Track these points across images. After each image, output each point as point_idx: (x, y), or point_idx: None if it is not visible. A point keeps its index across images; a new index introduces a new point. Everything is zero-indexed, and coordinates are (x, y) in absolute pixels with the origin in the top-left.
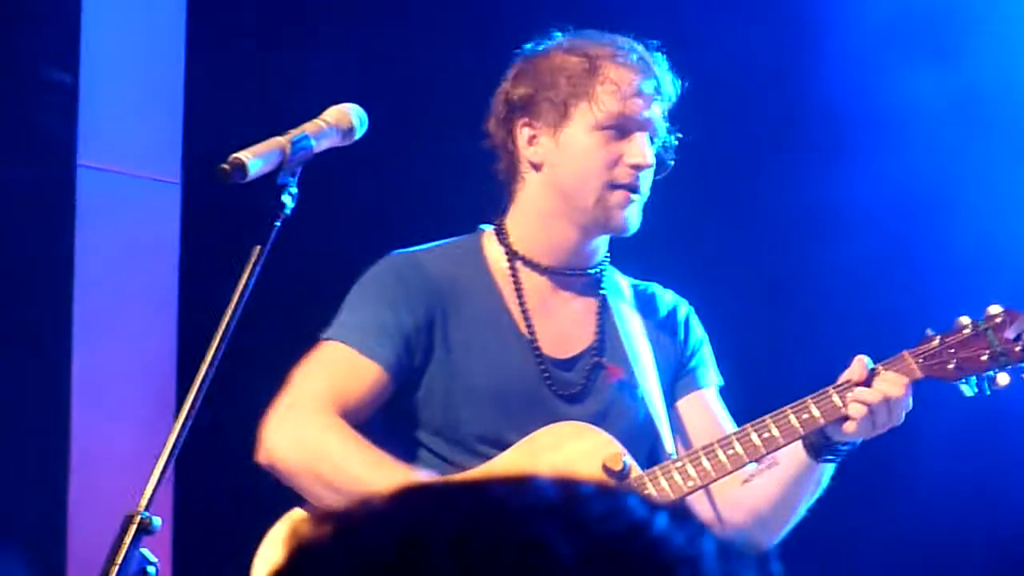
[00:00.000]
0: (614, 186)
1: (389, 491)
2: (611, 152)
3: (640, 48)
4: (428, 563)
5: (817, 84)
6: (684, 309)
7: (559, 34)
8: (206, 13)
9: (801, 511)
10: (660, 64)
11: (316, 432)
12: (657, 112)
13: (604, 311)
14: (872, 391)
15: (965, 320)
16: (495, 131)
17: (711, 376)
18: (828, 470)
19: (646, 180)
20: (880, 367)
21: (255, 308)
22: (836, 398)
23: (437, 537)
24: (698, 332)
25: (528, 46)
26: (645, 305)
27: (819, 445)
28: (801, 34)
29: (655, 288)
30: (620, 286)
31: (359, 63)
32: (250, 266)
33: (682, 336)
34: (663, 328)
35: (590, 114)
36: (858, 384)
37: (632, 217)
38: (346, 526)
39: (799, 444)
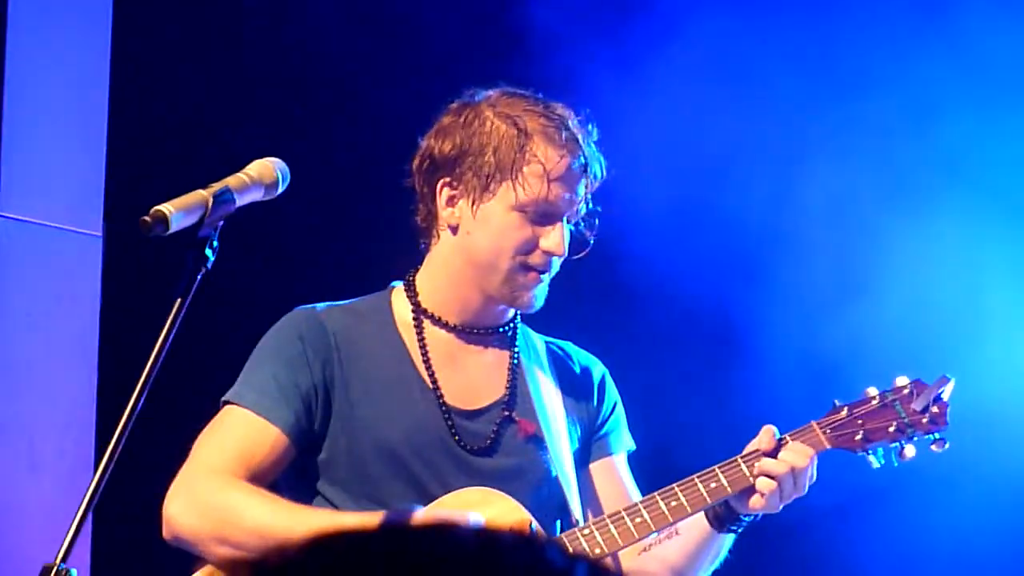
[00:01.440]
0: (525, 267)
1: (304, 539)
2: (528, 235)
3: (572, 121)
4: None
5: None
6: (599, 370)
7: (491, 88)
8: (130, 64)
9: None
10: (589, 141)
11: (214, 496)
12: (580, 195)
13: (516, 366)
14: (778, 462)
15: (873, 391)
16: (416, 178)
17: (623, 441)
18: (728, 540)
19: (558, 263)
20: (788, 437)
21: (175, 361)
22: (744, 468)
23: None
24: (612, 395)
25: (458, 100)
26: (559, 364)
27: (723, 516)
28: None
29: (570, 347)
30: (534, 343)
31: (283, 116)
32: (171, 319)
33: (596, 398)
34: (577, 388)
35: (512, 194)
36: (766, 454)
37: (538, 297)
38: (264, 574)
39: (702, 514)
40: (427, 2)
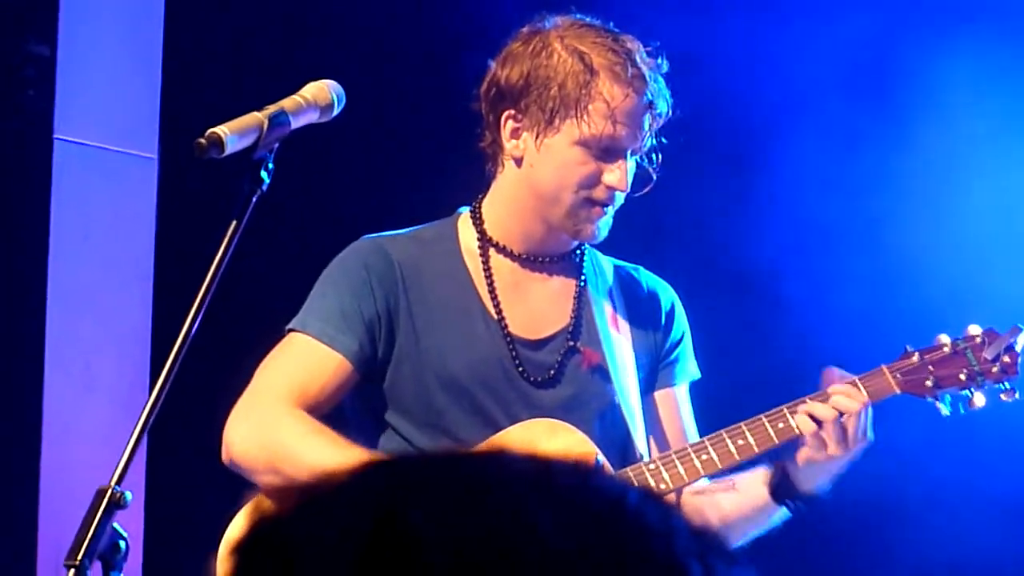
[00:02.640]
0: (589, 201)
1: (357, 466)
2: (592, 170)
3: (640, 55)
4: (405, 535)
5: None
6: (668, 297)
7: (562, 14)
8: None
9: (744, 540)
10: (658, 76)
11: (274, 427)
12: (645, 131)
13: (582, 294)
14: (824, 406)
15: (945, 338)
16: (483, 105)
17: (688, 370)
18: (780, 514)
19: (621, 197)
20: (858, 379)
21: (231, 285)
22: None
23: (414, 508)
24: (680, 323)
25: (528, 24)
26: (628, 289)
27: (781, 487)
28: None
29: (640, 272)
30: (603, 268)
31: (339, 39)
32: (226, 241)
33: (664, 326)
34: (645, 315)
35: (576, 129)
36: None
37: (601, 229)
38: (315, 499)
39: (763, 477)
40: None
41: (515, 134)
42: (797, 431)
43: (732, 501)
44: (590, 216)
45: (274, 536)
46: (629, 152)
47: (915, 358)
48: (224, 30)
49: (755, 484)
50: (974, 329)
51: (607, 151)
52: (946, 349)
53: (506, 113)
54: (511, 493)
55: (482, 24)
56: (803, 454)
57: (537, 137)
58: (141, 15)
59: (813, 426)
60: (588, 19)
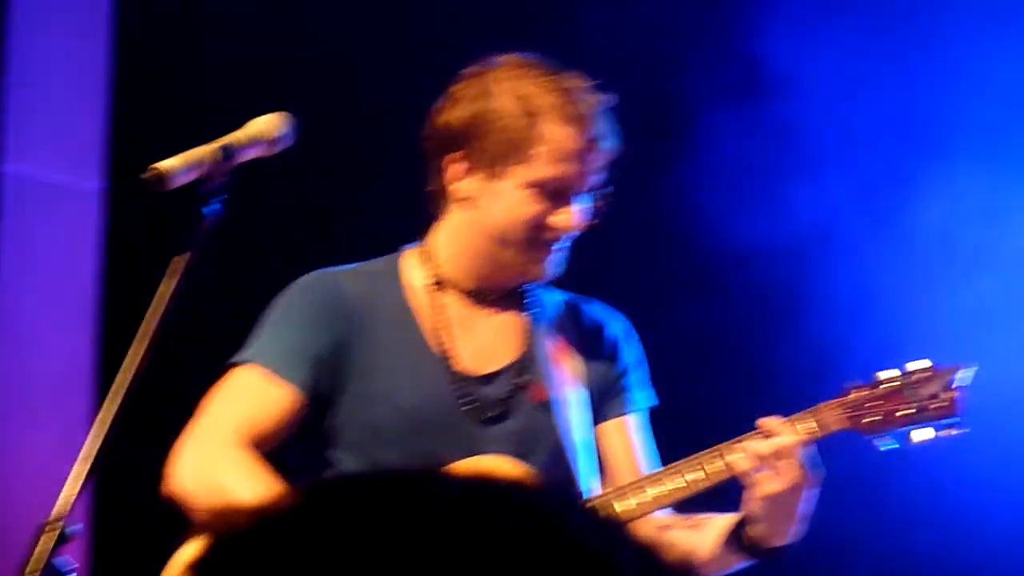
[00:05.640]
0: (539, 242)
1: (312, 486)
2: (540, 210)
3: (583, 92)
4: (352, 553)
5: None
6: (617, 325)
7: (504, 53)
8: (134, 18)
9: None
10: (602, 112)
11: (216, 466)
12: (593, 170)
13: (529, 329)
14: (765, 443)
15: (885, 374)
16: (427, 147)
17: (641, 398)
18: (740, 561)
19: (572, 236)
20: (797, 417)
21: (179, 317)
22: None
23: (361, 525)
24: (630, 352)
25: (471, 66)
26: (576, 322)
27: (738, 535)
28: None
29: (589, 303)
30: (551, 302)
31: (290, 71)
32: (174, 275)
33: (613, 355)
34: (593, 346)
35: (523, 172)
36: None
37: (552, 268)
38: (274, 518)
39: (725, 523)
40: None
41: (461, 176)
42: (737, 468)
43: (695, 541)
44: (540, 256)
45: (235, 554)
46: (578, 191)
47: (854, 395)
48: (172, 62)
49: (715, 528)
50: (914, 364)
51: (555, 192)
52: (886, 386)
53: (451, 156)
54: (453, 512)
55: (435, 57)
56: (748, 496)
57: (483, 180)
58: (88, 47)
59: (755, 463)
60: (530, 57)
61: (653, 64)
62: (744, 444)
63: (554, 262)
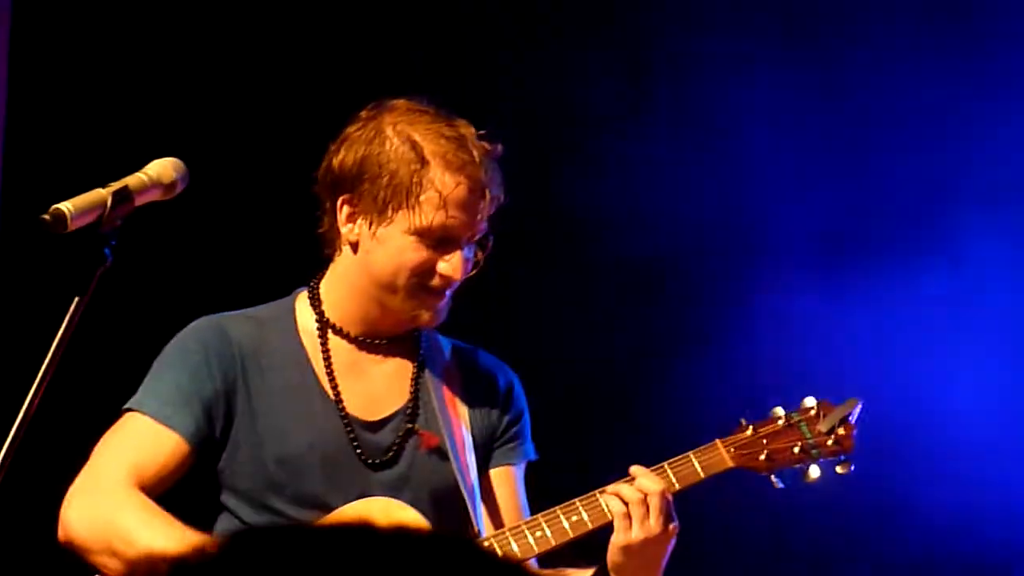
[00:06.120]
0: (425, 288)
1: (225, 538)
2: (426, 258)
3: (473, 140)
4: None
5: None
6: (506, 377)
7: (398, 96)
8: (26, 55)
9: None
10: (491, 162)
11: (110, 508)
12: (479, 219)
13: (419, 375)
14: (630, 489)
15: (779, 411)
16: (320, 188)
17: (524, 451)
18: None
19: (456, 284)
20: (691, 454)
21: (70, 362)
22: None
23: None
24: (518, 403)
25: (366, 108)
26: (466, 370)
27: None
28: None
29: (478, 353)
30: (441, 349)
31: (184, 114)
32: (68, 318)
33: (502, 406)
34: (482, 395)
35: (409, 219)
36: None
37: (438, 315)
38: (185, 571)
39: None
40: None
41: (351, 219)
42: (610, 512)
43: None
44: (426, 303)
45: None
46: (464, 240)
47: (749, 431)
48: (66, 104)
49: None
50: (809, 401)
51: (441, 240)
52: (780, 422)
53: (342, 198)
54: (370, 566)
55: (330, 101)
56: (611, 542)
57: (371, 225)
58: None
59: (621, 507)
60: (423, 103)
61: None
62: (617, 487)
63: (439, 309)
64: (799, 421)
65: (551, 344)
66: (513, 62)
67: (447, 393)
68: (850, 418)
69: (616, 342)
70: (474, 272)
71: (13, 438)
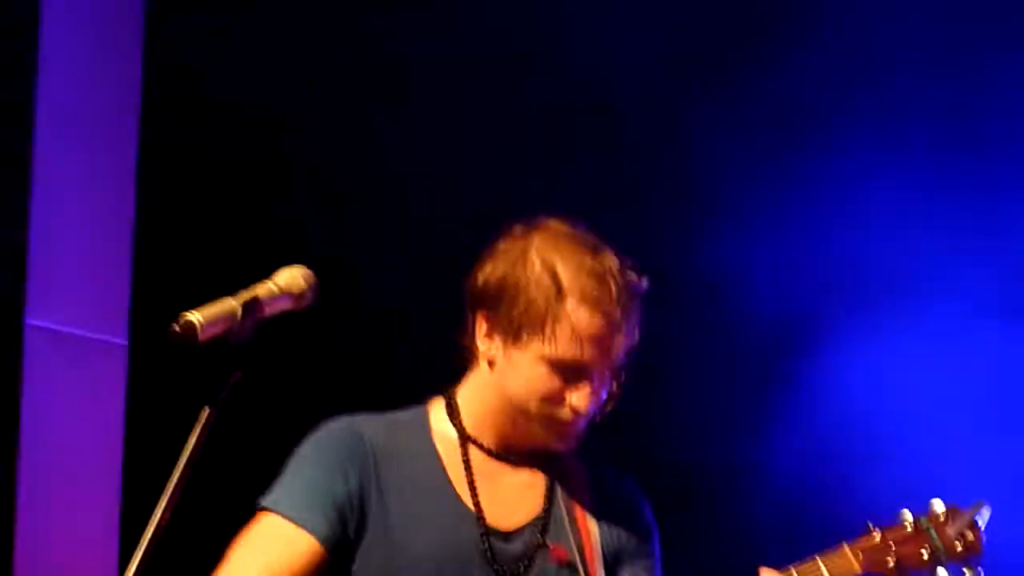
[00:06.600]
0: (555, 418)
1: None
2: (555, 387)
3: (616, 274)
4: None
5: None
6: (638, 500)
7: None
8: (156, 170)
9: None
10: (631, 297)
11: None
12: (613, 355)
13: (553, 489)
14: None
15: (908, 515)
16: (466, 299)
17: (653, 573)
18: None
19: (587, 416)
20: (818, 558)
21: (205, 465)
22: None
23: None
24: (648, 526)
25: (519, 223)
26: (598, 489)
27: None
28: None
29: (611, 473)
30: (573, 467)
31: (312, 223)
32: (198, 428)
33: (632, 527)
34: (614, 516)
35: (542, 348)
36: None
37: (569, 443)
38: None
39: None
40: None
41: (488, 336)
42: None
43: None
44: (558, 430)
45: None
46: (596, 374)
47: (877, 536)
48: (197, 213)
49: None
50: (938, 506)
51: (572, 372)
52: (908, 527)
53: (481, 313)
54: None
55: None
56: None
57: (506, 346)
58: (111, 200)
59: None
60: (574, 227)
61: None
62: None
63: (571, 437)
64: (927, 526)
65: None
66: None
67: (578, 510)
68: (979, 522)
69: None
70: (609, 405)
71: (147, 548)
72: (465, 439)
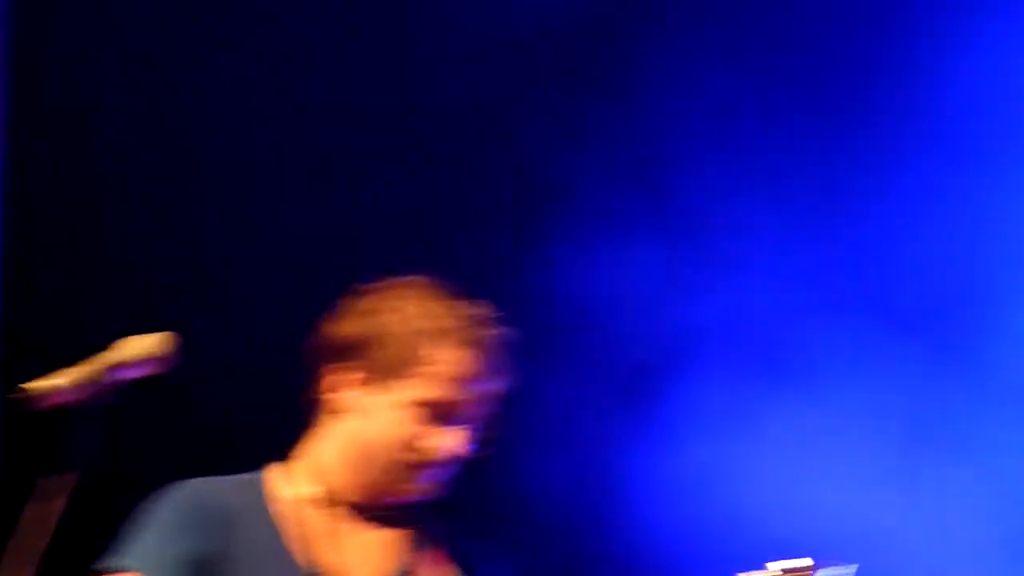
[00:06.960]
0: (415, 464)
1: None
2: (423, 431)
3: (488, 323)
4: None
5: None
6: (475, 559)
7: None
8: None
9: None
10: (503, 345)
11: None
12: (484, 400)
13: (407, 544)
14: None
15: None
16: (314, 356)
17: None
18: None
19: (451, 462)
20: None
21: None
22: None
23: None
24: None
25: (372, 284)
26: (452, 546)
27: None
28: None
29: (458, 528)
30: (430, 523)
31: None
32: (53, 496)
33: None
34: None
35: (414, 390)
36: None
37: (433, 489)
38: None
39: None
40: None
41: (343, 387)
42: None
43: None
44: (415, 478)
45: None
46: (461, 419)
47: None
48: (57, 270)
49: None
50: (799, 562)
51: (443, 414)
52: None
53: (336, 365)
54: None
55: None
56: None
57: (368, 392)
58: None
59: None
60: (434, 281)
61: None
62: None
63: (434, 485)
64: None
65: None
66: None
67: (437, 562)
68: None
69: None
70: (478, 452)
71: None
72: (311, 500)
